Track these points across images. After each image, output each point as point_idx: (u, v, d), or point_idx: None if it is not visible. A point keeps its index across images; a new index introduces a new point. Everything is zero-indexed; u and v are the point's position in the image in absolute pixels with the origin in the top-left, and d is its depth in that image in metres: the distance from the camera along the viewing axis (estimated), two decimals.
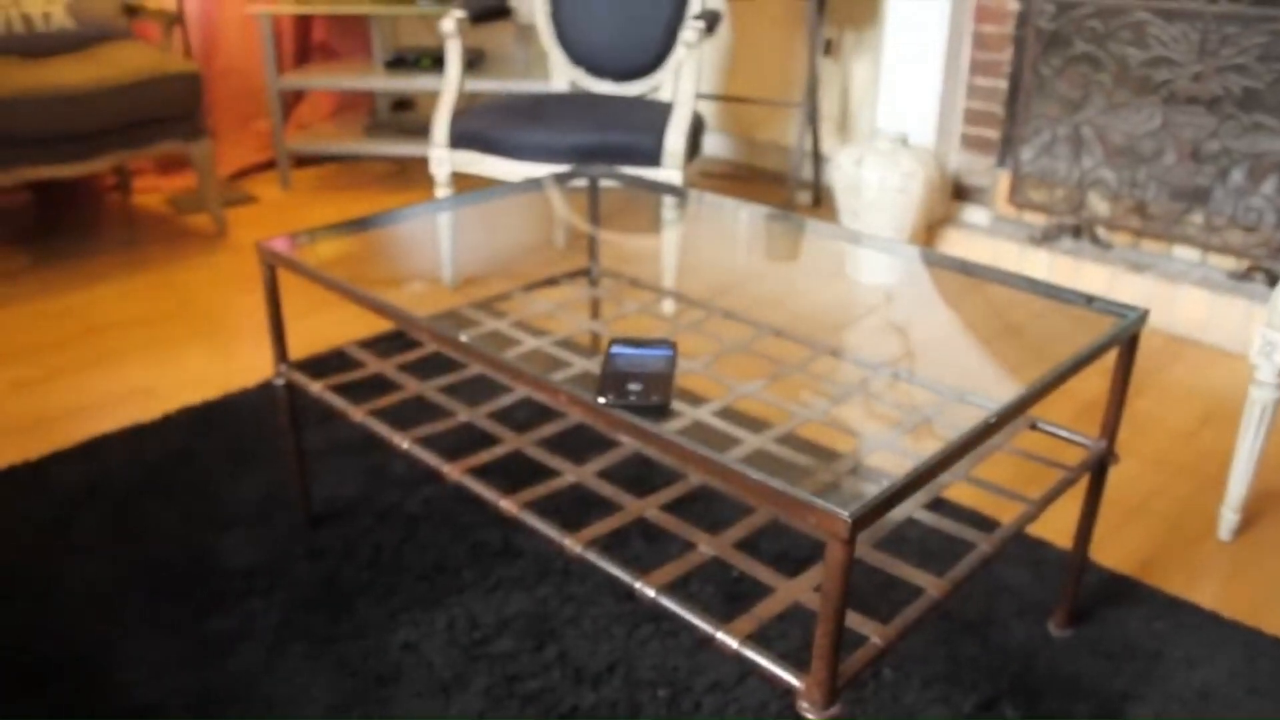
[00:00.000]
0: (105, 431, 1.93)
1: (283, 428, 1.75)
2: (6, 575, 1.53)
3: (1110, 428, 1.30)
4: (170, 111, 2.86)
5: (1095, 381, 2.17)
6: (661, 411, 1.01)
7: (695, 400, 1.28)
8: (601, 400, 1.01)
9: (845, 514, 0.79)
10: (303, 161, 3.81)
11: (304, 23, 3.86)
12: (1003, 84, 2.78)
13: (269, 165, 3.72)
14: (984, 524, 1.65)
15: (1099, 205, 2.66)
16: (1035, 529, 1.67)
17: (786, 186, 3.48)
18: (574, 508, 1.68)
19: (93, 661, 1.35)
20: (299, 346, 2.28)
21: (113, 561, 1.56)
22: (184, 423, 1.96)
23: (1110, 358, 2.19)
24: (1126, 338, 1.23)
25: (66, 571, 1.53)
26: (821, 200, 3.40)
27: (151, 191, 3.43)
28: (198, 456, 1.84)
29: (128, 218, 3.20)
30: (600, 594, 1.49)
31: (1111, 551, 1.61)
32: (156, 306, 2.53)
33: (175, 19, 3.14)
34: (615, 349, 1.16)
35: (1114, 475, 1.84)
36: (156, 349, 2.30)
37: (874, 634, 0.95)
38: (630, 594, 1.47)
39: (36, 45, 2.90)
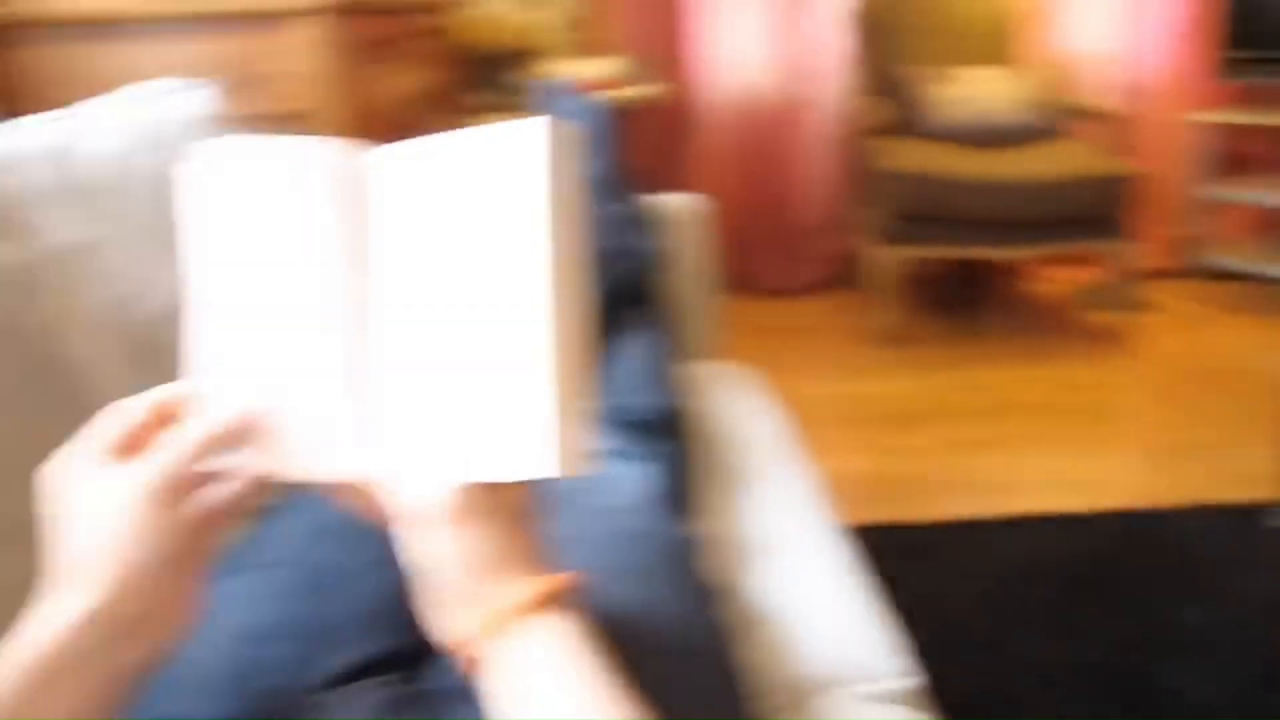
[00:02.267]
0: (1037, 511, 1.97)
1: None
2: (958, 633, 1.61)
3: None
4: (1097, 211, 2.88)
5: None
6: None
7: None
8: None
9: None
10: (1205, 274, 3.59)
11: (1236, 130, 3.63)
12: None
13: (1166, 273, 3.58)
14: None
15: None
16: None
17: None
18: None
19: None
20: None
21: (1044, 642, 1.56)
22: (1112, 526, 1.92)
23: None
24: None
25: (1010, 640, 1.57)
26: None
27: (1048, 280, 3.51)
28: (1128, 564, 1.78)
29: (1026, 303, 3.31)
30: None
31: None
32: (1062, 398, 2.55)
33: (1114, 120, 3.17)
34: None
35: None
36: (1069, 441, 2.32)
37: None
38: None
39: (989, 136, 3.13)
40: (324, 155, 0.53)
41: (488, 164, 0.50)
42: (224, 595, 0.69)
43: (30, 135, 0.96)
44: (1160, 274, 3.57)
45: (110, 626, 0.48)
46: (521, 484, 0.51)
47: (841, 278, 3.43)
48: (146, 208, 1.07)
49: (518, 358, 0.48)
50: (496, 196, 0.49)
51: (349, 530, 0.77)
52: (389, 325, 0.53)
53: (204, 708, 0.63)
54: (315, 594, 0.70)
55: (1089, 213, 2.88)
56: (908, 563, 1.31)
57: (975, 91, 3.13)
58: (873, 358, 2.83)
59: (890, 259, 2.87)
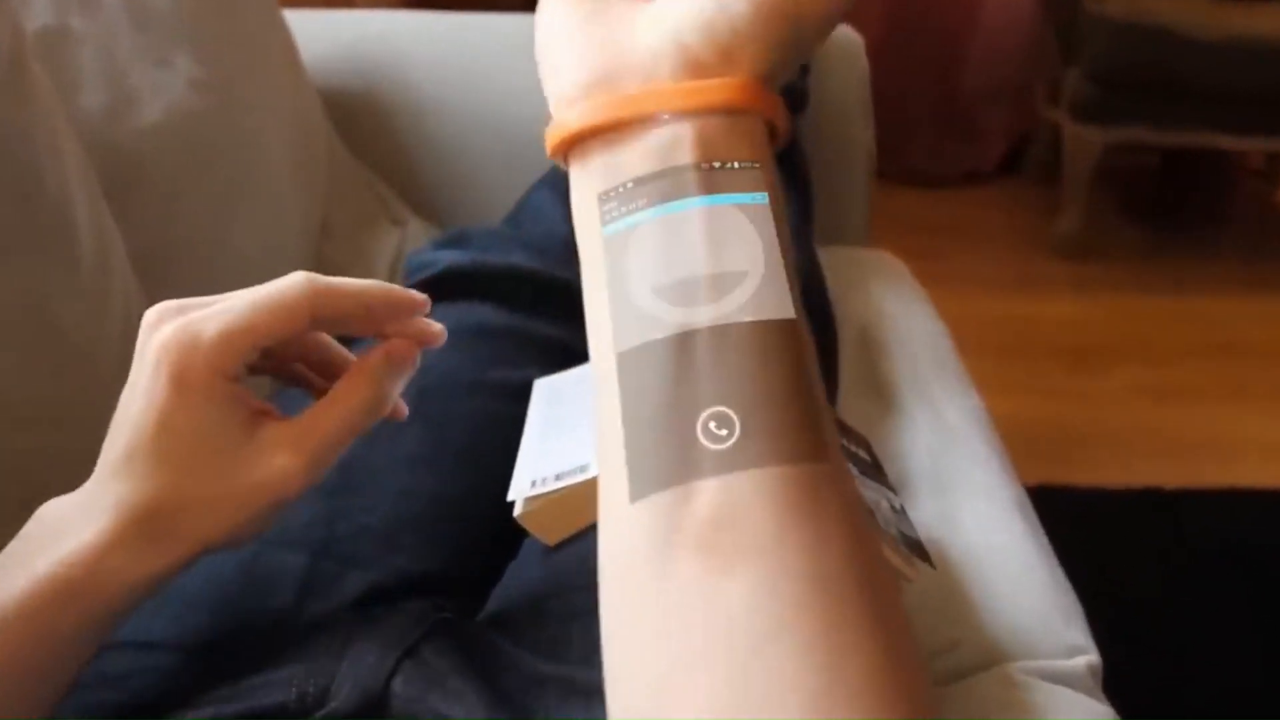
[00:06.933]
0: (1249, 484, 1.92)
1: None
2: (1135, 626, 1.60)
3: None
4: None
5: None
6: None
7: None
8: None
9: None
10: None
11: None
12: None
13: None
14: None
15: None
16: None
17: None
18: None
19: None
20: None
21: (1239, 644, 1.60)
22: None
23: None
24: None
25: (1199, 638, 1.60)
26: None
27: None
28: None
29: (1266, 214, 3.18)
30: None
31: None
32: None
33: None
34: None
35: None
36: None
37: None
38: None
39: None
40: None
41: None
42: None
43: None
44: None
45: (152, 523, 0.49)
46: None
47: (1018, 165, 3.34)
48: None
49: None
50: None
51: (380, 424, 0.76)
52: None
53: (181, 629, 0.61)
54: (332, 495, 0.68)
55: None
56: (1078, 533, 1.30)
57: None
58: (1052, 271, 2.76)
59: (1088, 142, 2.76)
